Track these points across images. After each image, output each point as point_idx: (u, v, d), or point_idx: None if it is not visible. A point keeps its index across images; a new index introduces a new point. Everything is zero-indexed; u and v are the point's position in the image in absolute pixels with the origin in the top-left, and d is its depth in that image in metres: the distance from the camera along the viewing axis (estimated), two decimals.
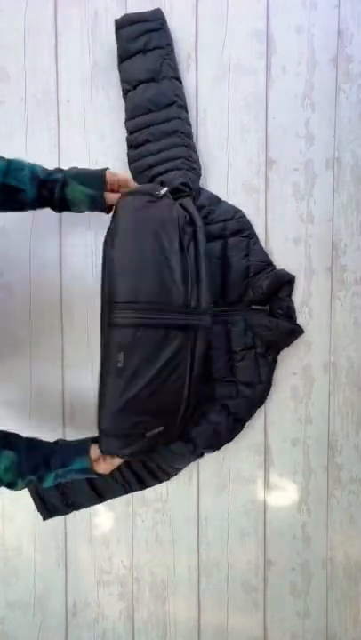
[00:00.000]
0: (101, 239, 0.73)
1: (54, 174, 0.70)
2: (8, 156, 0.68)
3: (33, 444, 0.72)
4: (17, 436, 0.72)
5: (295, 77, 0.90)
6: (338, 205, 0.92)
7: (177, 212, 0.75)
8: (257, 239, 0.89)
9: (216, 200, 0.88)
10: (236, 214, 0.88)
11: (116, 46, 0.85)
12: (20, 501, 0.96)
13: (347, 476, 0.95)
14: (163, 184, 0.80)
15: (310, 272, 0.92)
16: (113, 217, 0.73)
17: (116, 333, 0.68)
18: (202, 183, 0.89)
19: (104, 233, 0.73)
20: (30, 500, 0.95)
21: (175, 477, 0.94)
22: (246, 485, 0.95)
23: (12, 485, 0.68)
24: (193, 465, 0.94)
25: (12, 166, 0.67)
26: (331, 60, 0.90)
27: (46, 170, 0.71)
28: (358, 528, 0.96)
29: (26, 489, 0.76)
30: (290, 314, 0.88)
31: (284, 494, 0.95)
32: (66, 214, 0.92)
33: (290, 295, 0.88)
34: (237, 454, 0.95)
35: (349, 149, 0.91)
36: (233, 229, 0.87)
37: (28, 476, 0.67)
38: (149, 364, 0.69)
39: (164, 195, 0.74)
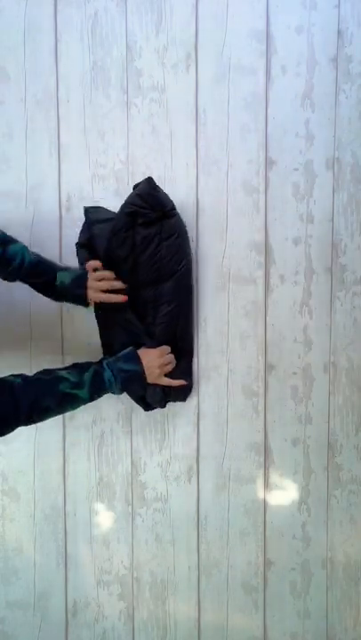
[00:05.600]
0: None
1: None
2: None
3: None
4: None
5: (295, 77, 0.90)
6: (338, 205, 0.92)
7: None
8: None
9: None
10: None
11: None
12: (21, 501, 0.96)
13: (347, 476, 0.95)
14: None
15: (310, 272, 0.92)
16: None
17: None
18: (203, 183, 0.90)
19: None
20: (30, 500, 0.95)
21: (175, 477, 0.94)
22: (246, 485, 0.95)
23: (79, 385, 0.73)
24: (193, 465, 0.94)
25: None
26: (331, 59, 0.90)
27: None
28: (358, 528, 0.96)
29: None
30: None
31: (284, 494, 0.95)
32: (65, 213, 0.92)
33: None
34: (237, 454, 0.95)
35: (349, 149, 0.91)
36: None
37: (89, 367, 0.76)
38: None
39: None
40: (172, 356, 0.86)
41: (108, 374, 0.76)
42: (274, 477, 0.95)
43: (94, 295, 0.82)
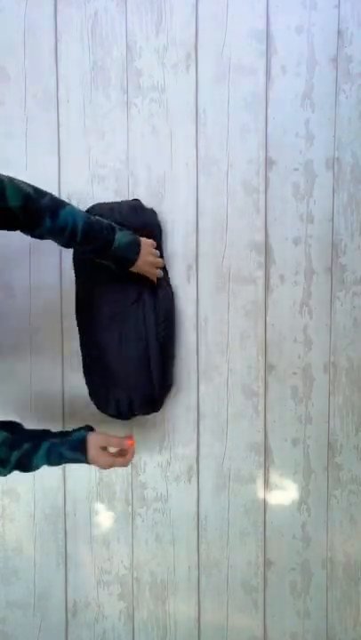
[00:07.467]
0: None
1: None
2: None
3: (30, 429, 0.76)
4: (16, 422, 0.76)
5: (295, 77, 0.90)
6: (338, 205, 0.92)
7: None
8: None
9: None
10: None
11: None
12: (21, 501, 0.96)
13: (347, 476, 0.95)
14: None
15: (310, 272, 0.92)
16: None
17: None
18: (203, 183, 0.90)
19: None
20: (30, 500, 0.95)
21: (175, 477, 0.94)
22: (246, 485, 0.95)
23: (3, 463, 0.68)
24: (193, 465, 0.94)
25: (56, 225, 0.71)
26: (331, 59, 0.90)
27: None
28: (358, 528, 0.96)
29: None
30: None
31: (284, 494, 0.95)
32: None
33: None
34: (237, 454, 0.95)
35: (349, 149, 0.91)
36: None
37: (23, 444, 0.69)
38: None
39: None
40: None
41: (37, 460, 0.70)
42: (274, 477, 0.95)
43: (144, 265, 0.81)
